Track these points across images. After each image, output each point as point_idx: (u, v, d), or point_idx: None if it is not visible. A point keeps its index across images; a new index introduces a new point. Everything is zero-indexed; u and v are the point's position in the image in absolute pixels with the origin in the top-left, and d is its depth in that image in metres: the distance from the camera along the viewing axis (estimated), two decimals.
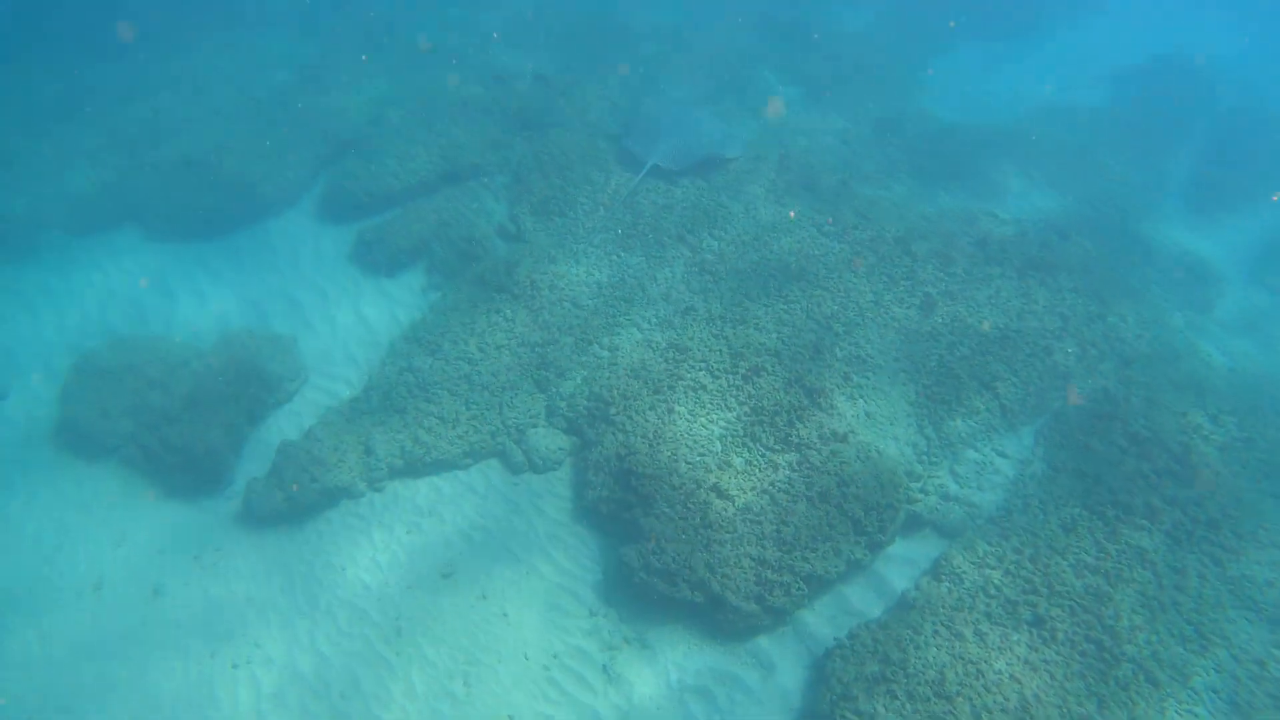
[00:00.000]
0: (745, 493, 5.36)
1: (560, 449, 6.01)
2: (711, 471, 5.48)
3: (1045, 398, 6.27)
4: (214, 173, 8.28)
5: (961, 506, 5.72)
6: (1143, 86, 11.21)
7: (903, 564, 5.46)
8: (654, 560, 5.07)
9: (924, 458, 5.94)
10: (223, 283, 7.71)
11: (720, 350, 6.21)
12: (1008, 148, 9.25)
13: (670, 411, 5.84)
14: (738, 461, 5.57)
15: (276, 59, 10.35)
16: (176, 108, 9.20)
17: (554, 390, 6.23)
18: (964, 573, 5.13)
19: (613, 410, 5.89)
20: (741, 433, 5.73)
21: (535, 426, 6.12)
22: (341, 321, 7.36)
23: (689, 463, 5.53)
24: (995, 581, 5.03)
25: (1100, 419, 5.98)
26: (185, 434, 5.64)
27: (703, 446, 5.66)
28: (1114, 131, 9.82)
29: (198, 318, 7.32)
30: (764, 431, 5.68)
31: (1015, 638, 4.69)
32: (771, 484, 5.42)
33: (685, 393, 5.97)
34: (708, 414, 5.86)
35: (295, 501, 5.47)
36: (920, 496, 5.73)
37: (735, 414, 5.84)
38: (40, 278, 7.53)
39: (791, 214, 7.50)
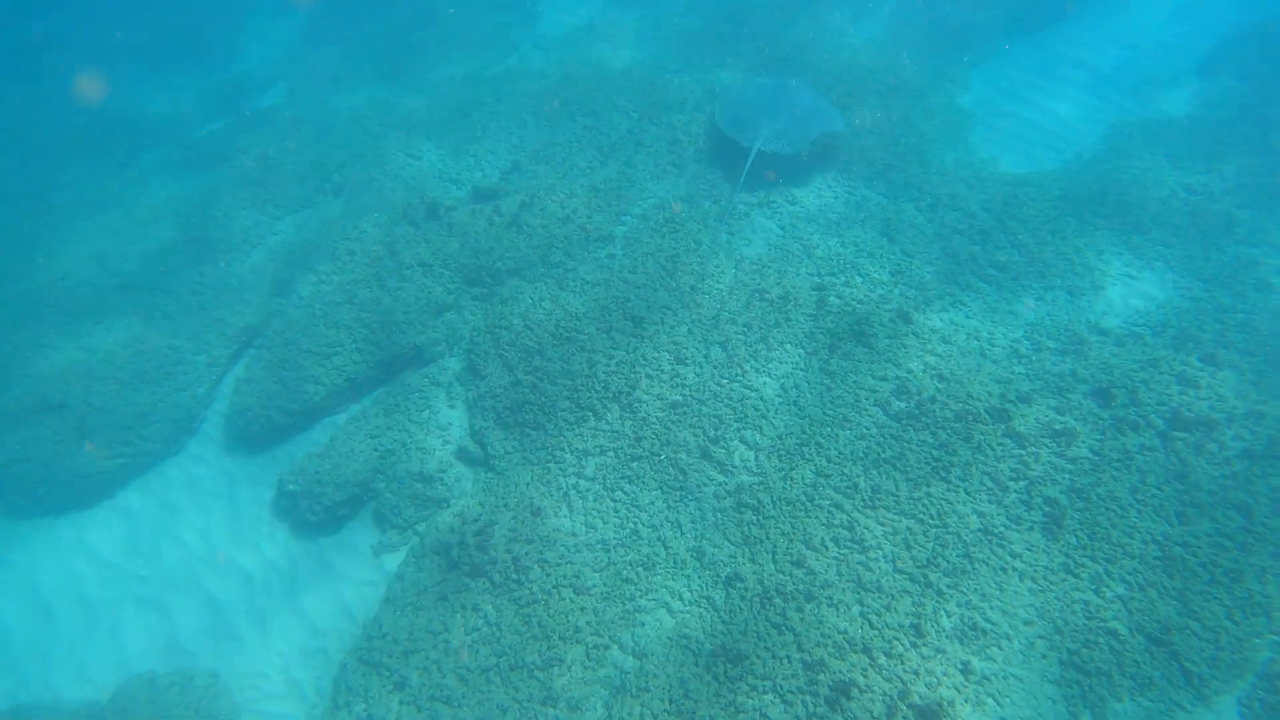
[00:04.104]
0: None
1: None
2: None
3: (1244, 649, 4.89)
4: (84, 415, 6.85)
5: None
6: (1238, 75, 9.53)
7: None
8: None
9: None
10: (114, 580, 6.34)
11: (788, 653, 4.85)
12: (1096, 209, 7.70)
13: None
14: None
15: (154, 210, 8.81)
16: (26, 318, 7.69)
17: None
18: None
19: None
20: None
21: None
22: (275, 623, 6.02)
23: None
24: None
25: None
26: None
27: None
28: (1224, 157, 8.22)
29: (83, 645, 5.99)
30: None
31: None
32: None
33: None
34: None
35: None
36: None
37: None
38: None
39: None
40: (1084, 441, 5.68)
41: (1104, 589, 5.08)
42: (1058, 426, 5.74)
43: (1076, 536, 5.27)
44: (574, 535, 5.63)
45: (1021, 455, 5.62)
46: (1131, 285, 7.15)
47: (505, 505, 5.83)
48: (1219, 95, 9.32)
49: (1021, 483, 5.49)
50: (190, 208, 8.56)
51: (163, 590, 6.30)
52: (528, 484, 5.97)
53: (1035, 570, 5.14)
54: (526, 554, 5.51)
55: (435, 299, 7.20)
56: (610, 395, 6.20)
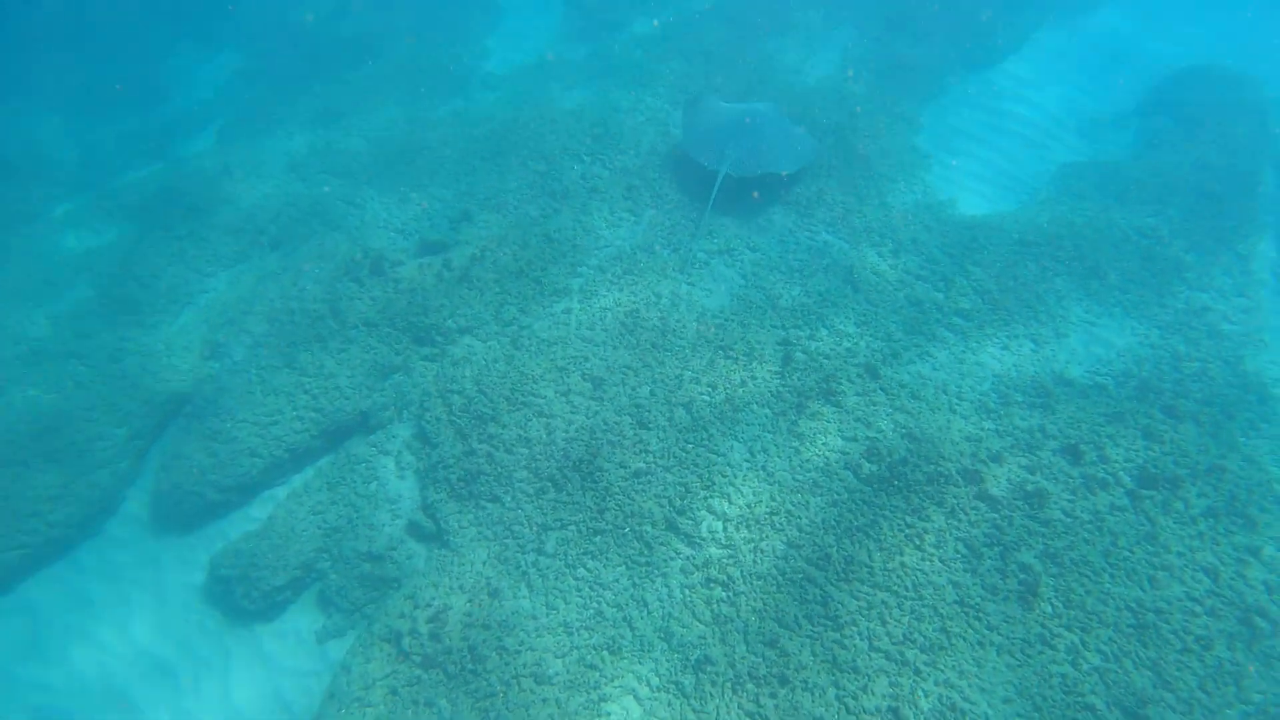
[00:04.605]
0: None
1: None
2: None
3: None
4: None
5: None
6: (1174, 117, 9.91)
7: None
8: None
9: None
10: (8, 690, 5.83)
11: None
12: (1054, 253, 7.86)
13: None
14: None
15: (67, 267, 8.30)
16: None
17: None
18: None
19: None
20: None
21: None
22: None
23: None
24: None
25: None
26: None
27: None
28: (1169, 200, 8.49)
29: None
30: None
31: None
32: None
33: None
34: None
35: None
36: None
37: None
38: None
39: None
40: (1056, 503, 5.70)
41: (1080, 661, 5.06)
42: (1029, 487, 5.75)
43: (1052, 605, 5.25)
44: (534, 618, 5.39)
45: (995, 519, 5.61)
46: (1092, 332, 7.28)
47: (460, 587, 5.57)
48: (1158, 136, 9.67)
49: (996, 549, 5.47)
50: (110, 264, 8.09)
51: (69, 698, 5.81)
52: (484, 562, 5.72)
53: (1012, 643, 5.10)
54: (484, 641, 5.26)
55: (382, 360, 6.93)
56: (570, 464, 6.01)
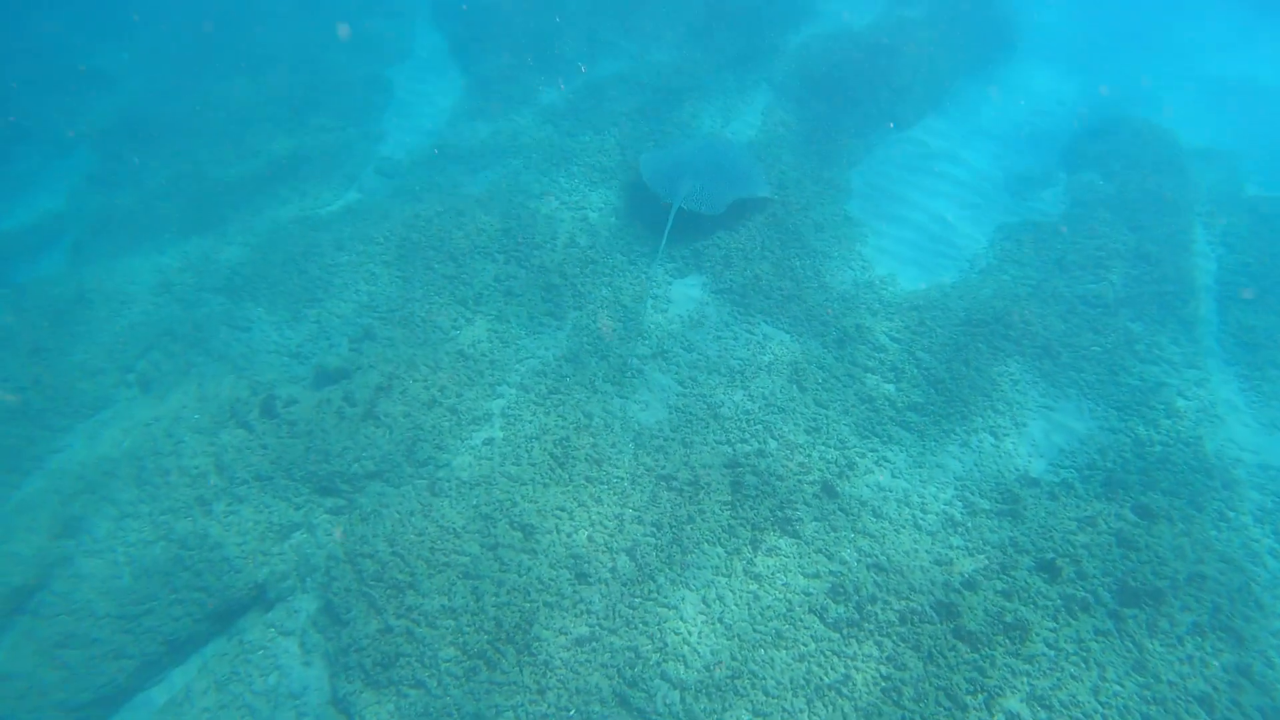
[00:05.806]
0: None
1: None
2: None
3: None
4: None
5: None
6: (1101, 173, 10.24)
7: None
8: None
9: None
10: None
11: None
12: (1004, 332, 7.85)
13: None
14: None
15: None
16: None
17: None
18: None
19: None
20: None
21: None
22: None
23: None
24: None
25: None
26: None
27: None
28: (1109, 265, 8.66)
29: None
30: None
31: None
32: None
33: None
34: None
35: None
36: None
37: None
38: None
39: None
40: (1037, 634, 5.50)
41: None
42: (1008, 618, 5.54)
43: None
44: None
45: (975, 660, 5.36)
46: (1051, 419, 7.24)
47: None
48: (1087, 194, 9.92)
49: (980, 697, 5.22)
50: None
51: None
52: None
53: None
54: None
55: (279, 519, 6.31)
56: (503, 635, 5.51)
